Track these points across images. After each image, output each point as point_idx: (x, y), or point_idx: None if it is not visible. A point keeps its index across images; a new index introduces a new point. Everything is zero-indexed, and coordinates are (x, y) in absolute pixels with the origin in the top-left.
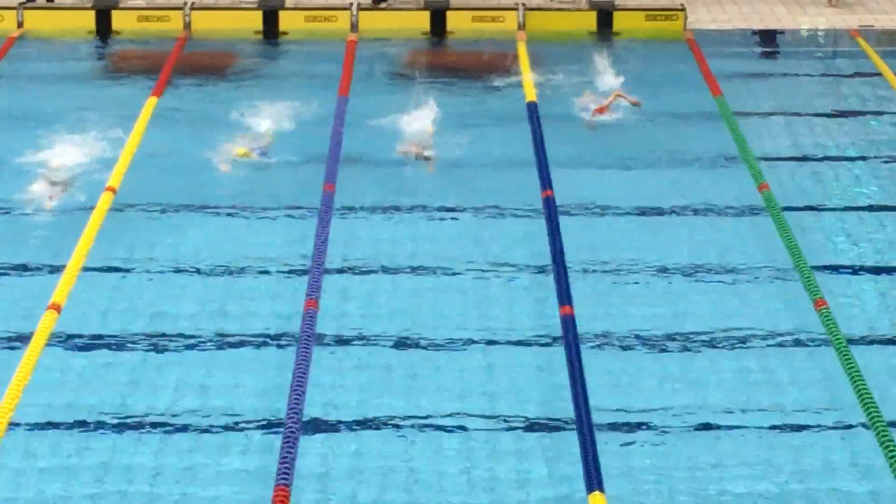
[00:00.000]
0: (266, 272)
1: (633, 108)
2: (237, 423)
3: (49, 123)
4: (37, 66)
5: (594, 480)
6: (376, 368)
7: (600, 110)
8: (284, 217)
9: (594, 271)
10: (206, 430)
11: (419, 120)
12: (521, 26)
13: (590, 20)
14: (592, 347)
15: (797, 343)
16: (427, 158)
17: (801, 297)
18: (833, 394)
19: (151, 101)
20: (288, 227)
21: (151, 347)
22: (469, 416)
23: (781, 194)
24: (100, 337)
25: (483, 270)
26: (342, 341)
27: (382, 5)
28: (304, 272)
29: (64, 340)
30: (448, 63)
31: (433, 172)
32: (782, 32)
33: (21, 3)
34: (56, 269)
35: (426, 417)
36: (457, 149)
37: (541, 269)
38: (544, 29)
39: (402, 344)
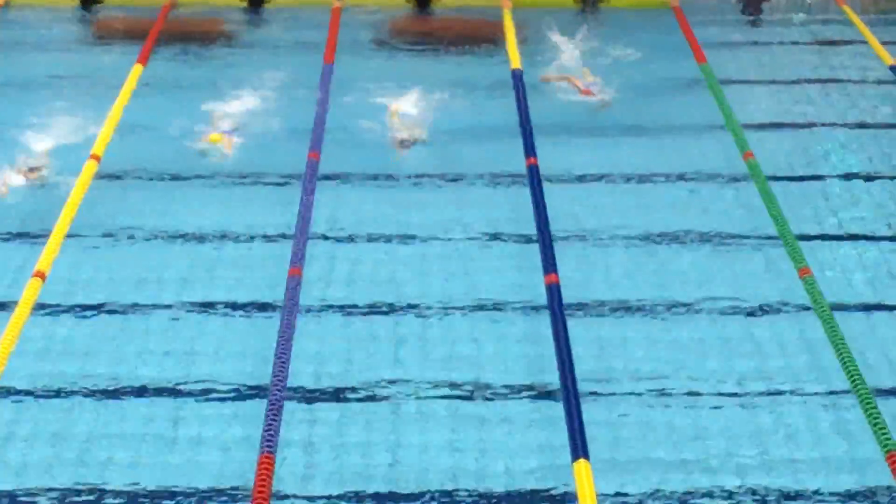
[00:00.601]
0: (251, 239)
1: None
2: (223, 390)
3: (33, 91)
4: (21, 34)
5: (579, 448)
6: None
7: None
8: (271, 186)
9: (579, 238)
10: (190, 394)
11: (404, 98)
12: None
13: None
14: (577, 315)
15: (781, 311)
16: (411, 143)
17: (787, 265)
18: (817, 361)
19: (136, 69)
20: (276, 196)
21: (136, 314)
22: (455, 384)
23: (766, 163)
24: (83, 305)
25: (470, 239)
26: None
27: None
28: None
29: (48, 308)
30: (433, 31)
31: (421, 145)
32: (768, 0)
33: None
34: (40, 238)
35: (411, 384)
36: (443, 119)
37: (526, 238)
38: None
39: (386, 311)
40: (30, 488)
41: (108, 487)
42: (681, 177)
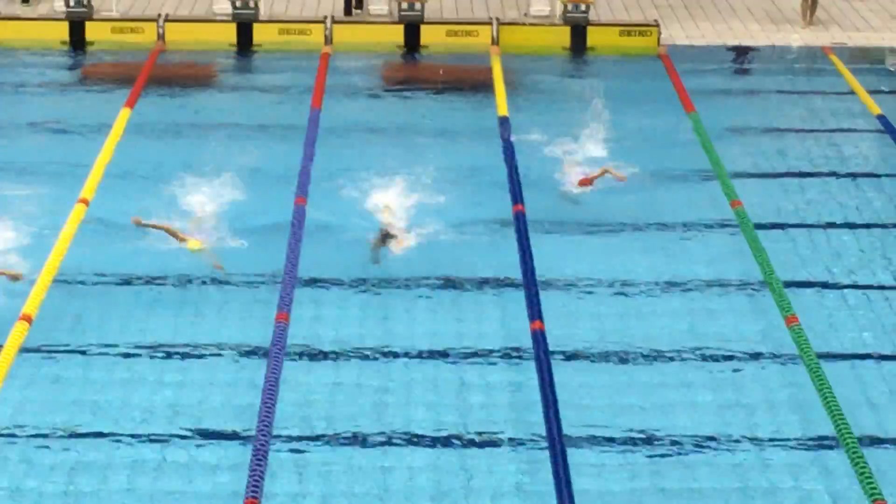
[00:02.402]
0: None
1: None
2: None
3: (22, 133)
4: (10, 76)
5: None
6: None
7: (586, 182)
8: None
9: (565, 286)
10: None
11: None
12: (495, 41)
13: (564, 36)
14: (562, 361)
15: (769, 358)
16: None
17: (773, 312)
18: (803, 410)
19: (125, 113)
20: (263, 239)
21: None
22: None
23: (754, 211)
24: (73, 349)
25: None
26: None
27: (356, 13)
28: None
29: (36, 351)
30: (424, 77)
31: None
32: (756, 49)
33: None
34: (28, 281)
35: (400, 429)
36: (428, 162)
37: (511, 284)
38: (518, 44)
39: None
40: None
41: None
42: (668, 223)
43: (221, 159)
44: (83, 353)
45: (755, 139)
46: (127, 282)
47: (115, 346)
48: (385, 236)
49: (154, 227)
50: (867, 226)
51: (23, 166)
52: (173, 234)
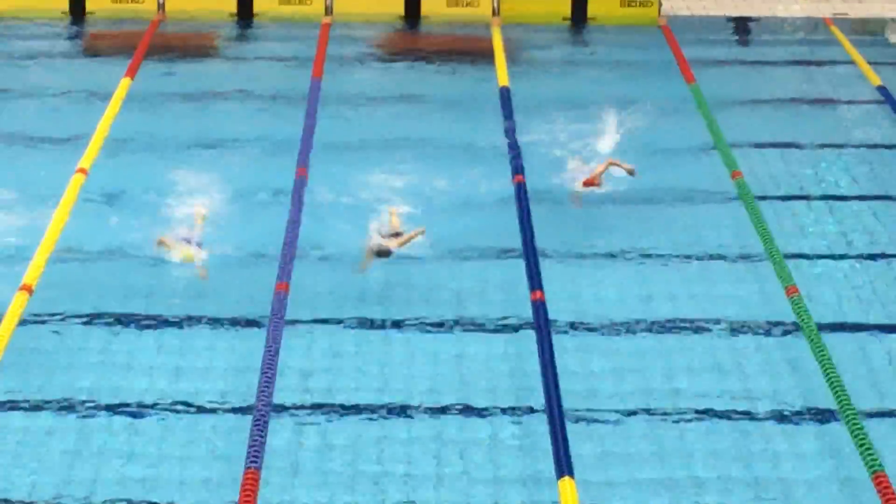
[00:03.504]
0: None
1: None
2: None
3: (21, 103)
4: (9, 46)
5: (564, 466)
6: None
7: (591, 182)
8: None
9: (566, 255)
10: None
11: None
12: (496, 12)
13: (564, 6)
14: (564, 332)
15: (769, 330)
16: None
17: (773, 283)
18: (803, 381)
19: (125, 83)
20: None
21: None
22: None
23: (754, 182)
24: (71, 317)
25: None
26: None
27: None
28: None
29: (35, 321)
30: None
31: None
32: (757, 20)
33: None
34: (27, 251)
35: (400, 401)
36: (428, 129)
37: (512, 254)
38: (518, 14)
39: (374, 325)
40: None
41: (92, 496)
42: (668, 195)
43: (221, 129)
44: (83, 323)
45: (756, 110)
46: (126, 252)
47: (115, 316)
48: (382, 251)
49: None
50: (868, 197)
51: (22, 136)
52: (169, 247)
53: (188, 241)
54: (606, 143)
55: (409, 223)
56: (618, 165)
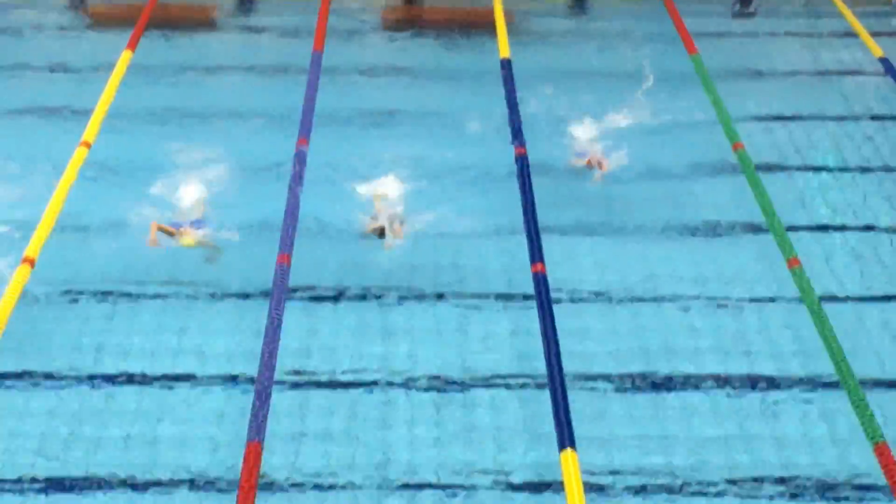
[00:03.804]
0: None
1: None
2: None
3: (22, 76)
4: (9, 19)
5: (566, 437)
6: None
7: (593, 164)
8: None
9: (567, 230)
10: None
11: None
12: None
13: None
14: (565, 304)
15: (771, 301)
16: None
17: (775, 255)
18: (805, 352)
19: (126, 55)
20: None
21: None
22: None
23: (755, 153)
24: (71, 291)
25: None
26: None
27: None
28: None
29: (38, 293)
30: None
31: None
32: None
33: None
34: (29, 226)
35: (402, 374)
36: (429, 102)
37: (513, 226)
38: None
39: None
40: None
41: (94, 475)
42: (669, 167)
43: (222, 101)
44: (83, 295)
45: (757, 81)
46: (128, 224)
47: (116, 289)
48: (380, 230)
49: (164, 230)
50: (870, 168)
51: (24, 109)
52: (168, 233)
53: (189, 226)
54: (607, 114)
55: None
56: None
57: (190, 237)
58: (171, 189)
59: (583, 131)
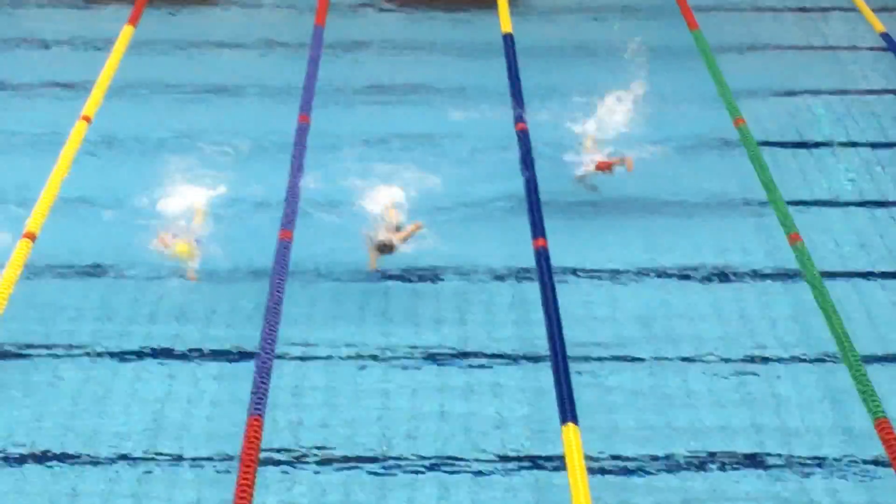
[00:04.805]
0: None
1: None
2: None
3: (22, 51)
4: None
5: (568, 412)
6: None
7: (605, 166)
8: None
9: (568, 205)
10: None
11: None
12: None
13: None
14: (566, 280)
15: (771, 277)
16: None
17: (776, 230)
18: (806, 328)
19: (127, 30)
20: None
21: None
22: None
23: (757, 129)
24: (73, 266)
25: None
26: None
27: None
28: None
29: (39, 268)
30: None
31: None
32: None
33: None
34: (30, 200)
35: (401, 349)
36: (431, 77)
37: (515, 200)
38: None
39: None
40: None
41: (93, 452)
42: (670, 142)
43: (223, 76)
44: (83, 270)
45: (758, 57)
46: (128, 199)
47: (116, 264)
48: (385, 246)
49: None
50: (871, 144)
51: (24, 84)
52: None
53: (186, 237)
54: (608, 89)
55: (414, 193)
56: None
57: (184, 246)
58: (170, 166)
59: (586, 128)
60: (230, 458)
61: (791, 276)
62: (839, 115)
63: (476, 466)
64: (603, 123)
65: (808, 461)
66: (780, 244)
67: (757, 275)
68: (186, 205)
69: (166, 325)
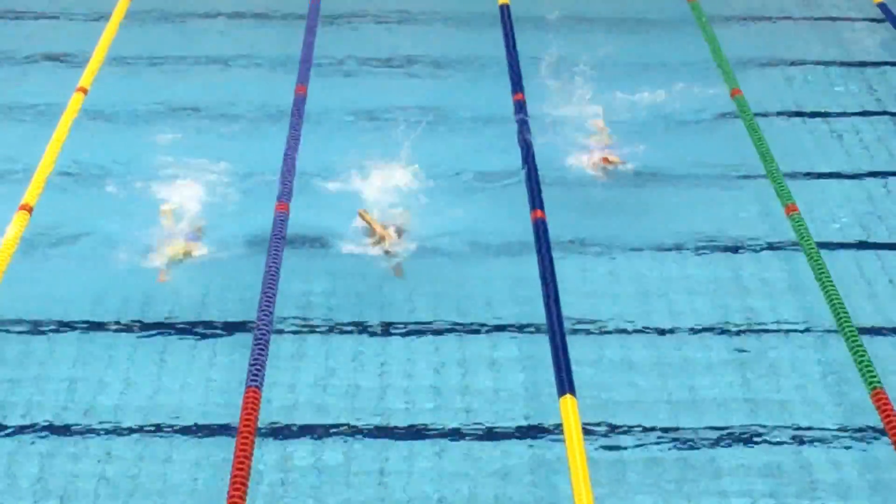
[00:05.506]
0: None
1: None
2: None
3: (17, 22)
4: None
5: (565, 384)
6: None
7: (609, 161)
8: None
9: (564, 177)
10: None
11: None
12: None
13: None
14: (563, 252)
15: (768, 248)
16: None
17: (773, 201)
18: (803, 299)
19: (124, 1)
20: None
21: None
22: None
23: (753, 100)
24: (72, 237)
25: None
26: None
27: None
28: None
29: (35, 240)
30: None
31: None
32: None
33: None
34: (26, 172)
35: (399, 325)
36: (429, 47)
37: (512, 174)
38: None
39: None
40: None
41: (93, 420)
42: (666, 113)
43: (221, 47)
44: (79, 242)
45: (755, 27)
46: (125, 170)
47: (114, 237)
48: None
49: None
50: (867, 114)
51: (20, 55)
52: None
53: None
54: (603, 61)
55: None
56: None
57: (179, 247)
58: (166, 137)
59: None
60: (228, 429)
61: (788, 247)
62: (836, 86)
63: (473, 436)
64: (599, 94)
65: (805, 433)
66: (777, 215)
67: (754, 246)
68: (180, 191)
69: (164, 297)
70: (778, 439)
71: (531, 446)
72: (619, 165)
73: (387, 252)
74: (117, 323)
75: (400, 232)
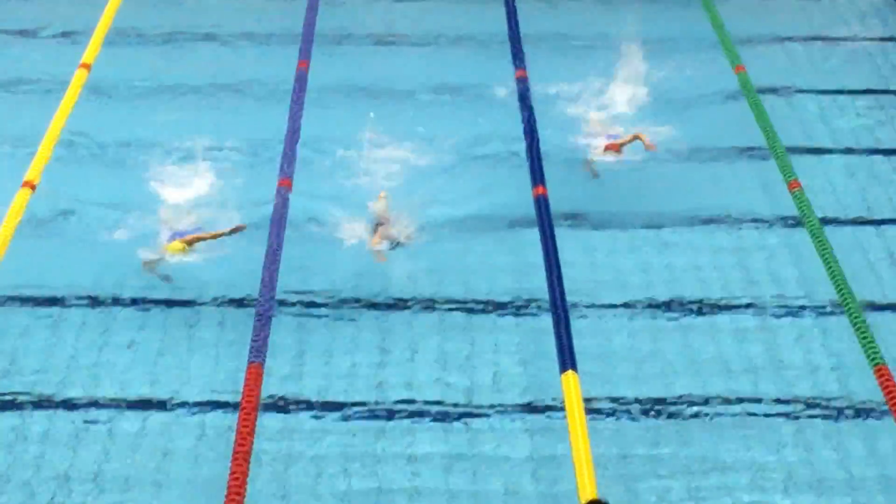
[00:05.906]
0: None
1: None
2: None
3: (21, 2)
4: None
5: (567, 359)
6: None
7: (613, 147)
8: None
9: (567, 154)
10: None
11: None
12: None
13: None
14: (565, 227)
15: (771, 224)
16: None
17: (776, 177)
18: (805, 275)
19: None
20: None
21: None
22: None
23: (756, 76)
24: (71, 212)
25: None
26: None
27: None
28: None
29: (39, 217)
30: None
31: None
32: None
33: None
34: (30, 153)
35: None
36: (429, 26)
37: (514, 152)
38: None
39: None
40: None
41: (97, 397)
42: (669, 90)
43: (223, 21)
44: (83, 218)
45: (758, 3)
46: (128, 144)
47: (116, 211)
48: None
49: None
50: (871, 91)
51: (22, 33)
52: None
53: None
54: (605, 38)
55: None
56: (641, 139)
57: (177, 246)
58: (169, 113)
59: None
60: (230, 405)
61: (791, 223)
62: (839, 62)
63: (474, 413)
64: (601, 74)
65: (808, 407)
66: (780, 191)
67: (757, 222)
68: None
69: (166, 272)
70: (779, 411)
71: (532, 422)
72: (626, 144)
73: (382, 238)
74: (116, 300)
75: (400, 232)
